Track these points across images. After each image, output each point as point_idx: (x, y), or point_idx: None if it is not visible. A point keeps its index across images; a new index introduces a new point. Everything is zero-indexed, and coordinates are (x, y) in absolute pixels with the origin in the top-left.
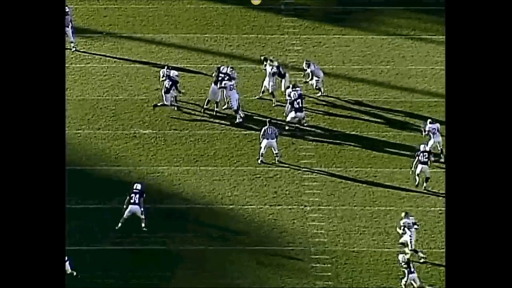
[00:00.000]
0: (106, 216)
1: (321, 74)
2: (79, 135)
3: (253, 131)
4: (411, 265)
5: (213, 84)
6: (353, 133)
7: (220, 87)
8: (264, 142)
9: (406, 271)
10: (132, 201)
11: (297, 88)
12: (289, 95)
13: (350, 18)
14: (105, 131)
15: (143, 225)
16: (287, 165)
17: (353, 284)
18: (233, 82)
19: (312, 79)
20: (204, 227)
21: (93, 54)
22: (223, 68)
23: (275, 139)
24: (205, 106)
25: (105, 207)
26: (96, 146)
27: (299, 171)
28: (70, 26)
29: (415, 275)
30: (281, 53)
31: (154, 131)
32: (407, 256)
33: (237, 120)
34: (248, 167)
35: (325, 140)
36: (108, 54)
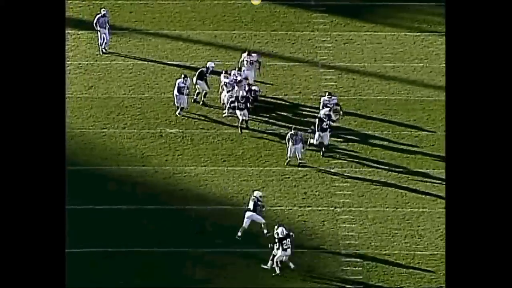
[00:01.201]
0: (129, 217)
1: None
2: (103, 134)
3: (282, 130)
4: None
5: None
6: (385, 133)
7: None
8: (291, 148)
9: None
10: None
11: (333, 97)
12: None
13: (382, 15)
14: (131, 130)
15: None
16: (316, 166)
17: (385, 287)
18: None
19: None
20: (231, 229)
21: (118, 52)
22: (210, 64)
23: (301, 144)
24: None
25: (130, 208)
26: (122, 145)
27: (329, 172)
28: (107, 28)
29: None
30: (311, 51)
31: (180, 130)
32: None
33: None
34: (277, 167)
35: (356, 140)
36: (133, 51)
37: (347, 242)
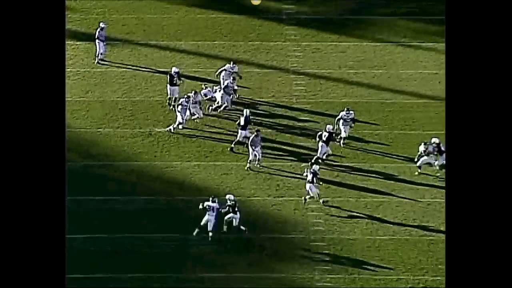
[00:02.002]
0: (123, 208)
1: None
2: (99, 133)
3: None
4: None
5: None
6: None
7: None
8: (251, 150)
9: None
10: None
11: (351, 112)
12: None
13: (346, 27)
14: (124, 130)
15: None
16: (289, 160)
17: (349, 268)
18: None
19: None
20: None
21: (112, 60)
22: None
23: (260, 148)
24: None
25: (123, 198)
26: (116, 143)
27: (300, 166)
28: (103, 40)
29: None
30: (283, 59)
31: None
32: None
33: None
34: (256, 162)
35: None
36: (126, 60)
37: (316, 228)
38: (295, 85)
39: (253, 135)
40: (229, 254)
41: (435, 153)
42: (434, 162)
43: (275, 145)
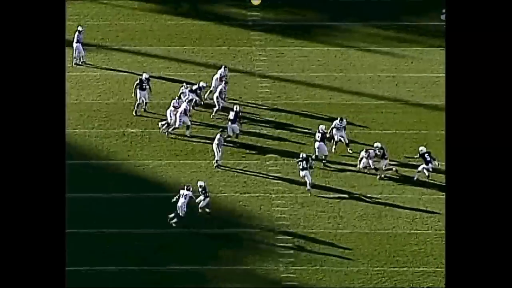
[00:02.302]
0: (101, 204)
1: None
2: (75, 133)
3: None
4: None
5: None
6: (312, 130)
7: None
8: (214, 147)
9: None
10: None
11: (344, 121)
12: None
13: (309, 33)
14: (98, 130)
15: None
16: (255, 159)
17: (312, 260)
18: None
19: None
20: (188, 212)
21: (87, 64)
22: (144, 75)
23: (222, 147)
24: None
25: (100, 196)
26: (90, 143)
27: (265, 164)
28: (81, 43)
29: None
30: (249, 63)
31: (140, 130)
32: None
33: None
34: (221, 160)
35: (287, 138)
36: (100, 64)
37: (280, 222)
38: (261, 87)
39: (218, 135)
40: (199, 248)
41: (378, 157)
42: (377, 165)
43: (241, 144)
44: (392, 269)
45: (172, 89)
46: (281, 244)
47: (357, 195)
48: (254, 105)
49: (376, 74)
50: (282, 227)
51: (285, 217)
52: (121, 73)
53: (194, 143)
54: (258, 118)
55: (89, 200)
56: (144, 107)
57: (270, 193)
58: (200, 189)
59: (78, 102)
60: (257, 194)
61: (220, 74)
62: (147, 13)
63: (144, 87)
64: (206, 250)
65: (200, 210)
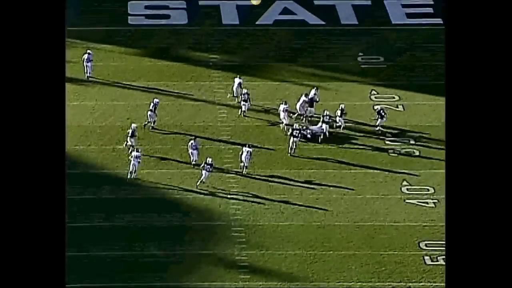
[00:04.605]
0: (96, 204)
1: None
2: (75, 150)
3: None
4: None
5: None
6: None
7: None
8: (189, 152)
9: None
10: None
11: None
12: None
13: (256, 70)
14: (93, 147)
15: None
16: (218, 166)
17: (260, 246)
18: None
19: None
20: (161, 210)
21: (86, 96)
22: (155, 100)
23: (197, 151)
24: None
25: (94, 197)
26: (87, 156)
27: (224, 170)
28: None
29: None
30: (210, 94)
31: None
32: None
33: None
34: (187, 169)
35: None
36: (94, 96)
37: (236, 217)
38: (220, 113)
39: (192, 140)
40: (171, 238)
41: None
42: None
43: (202, 156)
44: (320, 252)
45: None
46: (235, 234)
47: (299, 194)
48: (214, 127)
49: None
50: (237, 220)
51: (239, 212)
52: (111, 102)
53: (171, 152)
54: (216, 138)
55: (85, 201)
56: (152, 125)
57: (228, 193)
58: (206, 164)
59: (78, 126)
60: (216, 196)
61: (239, 83)
62: (131, 56)
63: (153, 109)
64: (177, 239)
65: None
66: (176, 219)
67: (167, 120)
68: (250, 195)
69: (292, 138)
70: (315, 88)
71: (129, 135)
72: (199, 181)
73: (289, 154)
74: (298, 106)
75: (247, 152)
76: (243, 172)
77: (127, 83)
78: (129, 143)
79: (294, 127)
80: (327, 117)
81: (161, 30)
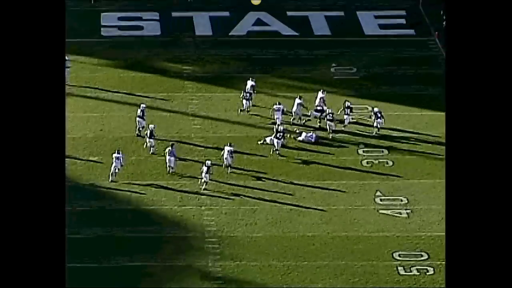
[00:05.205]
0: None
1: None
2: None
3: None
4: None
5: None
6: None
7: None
8: (167, 159)
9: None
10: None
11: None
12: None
13: (229, 82)
14: (76, 156)
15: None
16: (189, 179)
17: (234, 257)
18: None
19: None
20: (134, 221)
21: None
22: (142, 105)
23: (174, 157)
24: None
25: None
26: (76, 167)
27: (198, 182)
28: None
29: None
30: (184, 105)
31: (103, 157)
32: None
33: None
34: (162, 180)
35: (215, 163)
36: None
37: (209, 229)
38: (193, 124)
39: (169, 147)
40: (144, 250)
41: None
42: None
43: (178, 168)
44: (294, 263)
45: (128, 125)
46: (209, 245)
47: (270, 203)
48: (188, 138)
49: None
50: (210, 232)
51: (212, 224)
52: (84, 114)
53: (143, 167)
54: (192, 147)
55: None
56: (141, 130)
57: (201, 206)
58: (206, 167)
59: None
60: (191, 207)
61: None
62: (104, 67)
63: (141, 116)
64: (151, 250)
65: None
66: (149, 231)
67: (141, 131)
68: (224, 206)
69: (275, 139)
70: (321, 91)
71: (148, 136)
72: (203, 185)
73: (276, 153)
74: (294, 110)
75: (228, 151)
76: (228, 172)
77: (100, 94)
78: (148, 144)
79: (278, 129)
80: (331, 115)
81: (134, 41)
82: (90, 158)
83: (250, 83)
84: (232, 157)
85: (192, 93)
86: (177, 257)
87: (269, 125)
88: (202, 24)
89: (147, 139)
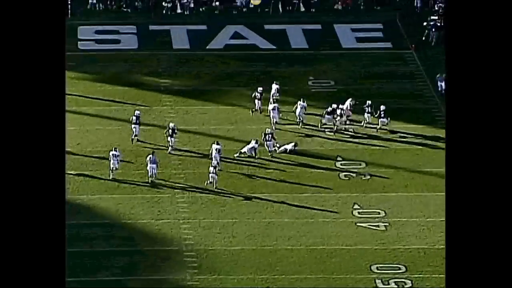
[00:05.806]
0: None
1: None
2: None
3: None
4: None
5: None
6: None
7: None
8: (148, 166)
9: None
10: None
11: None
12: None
13: (207, 95)
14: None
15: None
16: (167, 193)
17: (212, 271)
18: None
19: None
20: (111, 235)
21: None
22: (136, 112)
23: (155, 164)
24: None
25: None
26: (69, 179)
27: (175, 197)
28: None
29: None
30: (162, 119)
31: (96, 170)
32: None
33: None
34: (140, 194)
35: (193, 177)
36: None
37: (187, 242)
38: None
39: (150, 155)
40: (123, 263)
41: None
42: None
43: (153, 183)
44: (272, 276)
45: (107, 138)
46: (188, 259)
47: (247, 219)
48: (164, 151)
49: (259, 126)
50: (189, 245)
51: (190, 238)
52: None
53: (121, 179)
54: (167, 162)
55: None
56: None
57: (179, 219)
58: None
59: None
60: (169, 220)
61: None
62: (81, 81)
63: (137, 122)
64: (129, 262)
65: (211, 179)
66: (126, 244)
67: (118, 145)
68: (202, 219)
69: (265, 142)
70: (350, 99)
71: (169, 134)
72: (214, 185)
73: (270, 156)
74: (297, 113)
75: (216, 149)
76: (215, 171)
77: (77, 108)
78: (169, 143)
79: (266, 132)
80: (369, 108)
81: (111, 54)
82: (68, 172)
83: (275, 86)
84: (220, 155)
85: (169, 107)
86: (155, 271)
87: (246, 140)
88: (179, 37)
89: (168, 138)
